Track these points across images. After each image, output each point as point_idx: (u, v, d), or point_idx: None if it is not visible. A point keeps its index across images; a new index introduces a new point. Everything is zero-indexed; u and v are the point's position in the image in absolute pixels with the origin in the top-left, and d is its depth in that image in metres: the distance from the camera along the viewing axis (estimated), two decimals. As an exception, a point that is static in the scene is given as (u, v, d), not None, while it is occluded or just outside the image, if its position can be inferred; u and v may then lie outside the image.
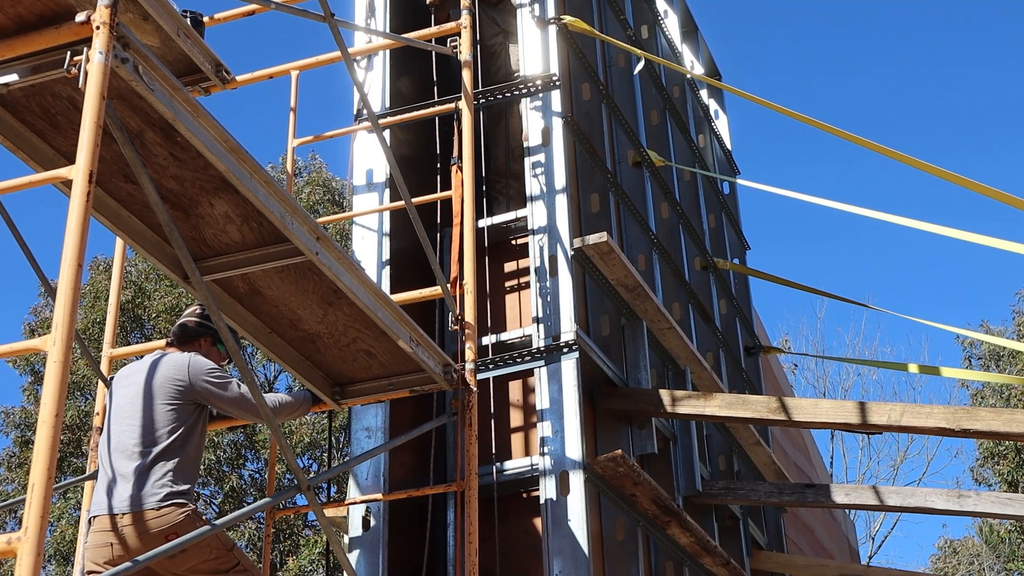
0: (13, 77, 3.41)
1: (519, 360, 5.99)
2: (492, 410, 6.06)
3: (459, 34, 6.06)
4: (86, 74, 3.11)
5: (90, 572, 4.40)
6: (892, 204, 49.70)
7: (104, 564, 4.36)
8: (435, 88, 6.85)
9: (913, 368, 9.83)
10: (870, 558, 28.16)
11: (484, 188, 6.72)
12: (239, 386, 4.63)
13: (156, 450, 4.44)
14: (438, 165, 6.56)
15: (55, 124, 3.68)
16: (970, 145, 48.01)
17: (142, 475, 4.39)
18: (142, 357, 4.92)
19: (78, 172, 3.00)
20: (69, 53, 3.22)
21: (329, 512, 6.02)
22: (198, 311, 4.92)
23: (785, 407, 6.54)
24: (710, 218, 9.90)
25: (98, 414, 5.56)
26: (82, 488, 5.44)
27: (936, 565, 29.50)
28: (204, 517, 4.43)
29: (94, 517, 4.45)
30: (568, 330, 5.92)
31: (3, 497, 18.63)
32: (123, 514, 4.34)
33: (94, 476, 5.34)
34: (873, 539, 29.14)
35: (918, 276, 48.64)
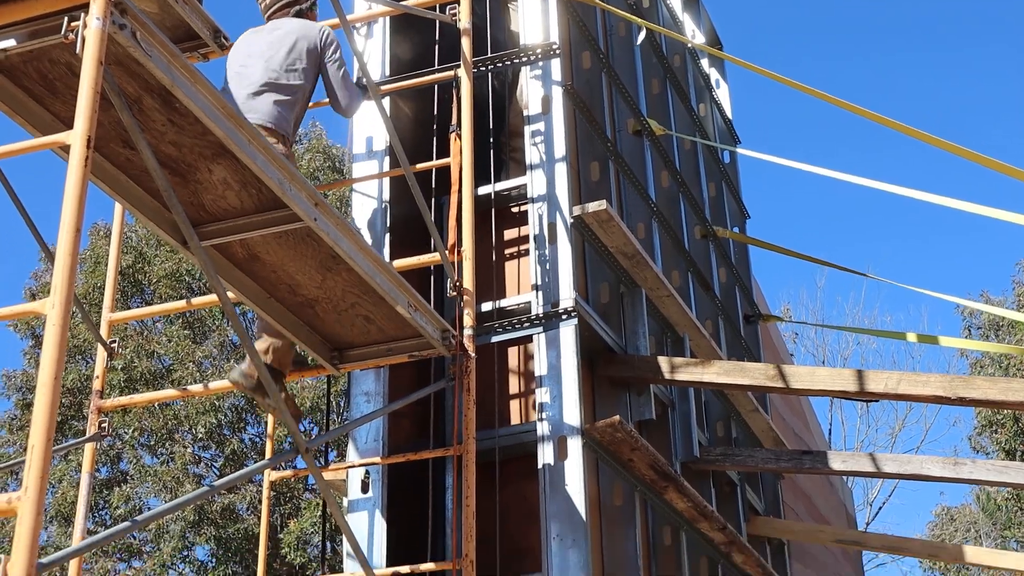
0: (11, 42, 3.41)
1: (518, 327, 6.01)
2: (492, 376, 6.09)
3: (458, 1, 6.05)
4: (83, 40, 3.12)
5: None
6: (893, 175, 49.63)
7: None
8: (436, 55, 6.84)
9: (912, 337, 9.83)
10: (867, 525, 28.34)
11: (496, 152, 6.70)
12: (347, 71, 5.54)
13: (277, 87, 5.26)
14: (435, 127, 6.56)
15: (53, 90, 3.68)
16: (973, 117, 47.90)
17: (262, 99, 5.20)
18: (143, 320, 5.03)
19: (76, 137, 3.01)
20: (66, 19, 3.22)
21: (328, 475, 6.07)
22: None
23: (783, 374, 6.57)
24: (710, 187, 9.90)
25: (98, 377, 5.59)
26: (82, 451, 5.48)
27: (933, 532, 29.65)
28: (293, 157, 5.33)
29: None
30: (567, 297, 5.94)
31: (5, 459, 18.71)
32: None
33: (95, 439, 5.39)
34: (871, 506, 29.32)
35: (918, 246, 48.66)
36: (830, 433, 28.86)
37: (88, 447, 5.46)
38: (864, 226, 48.55)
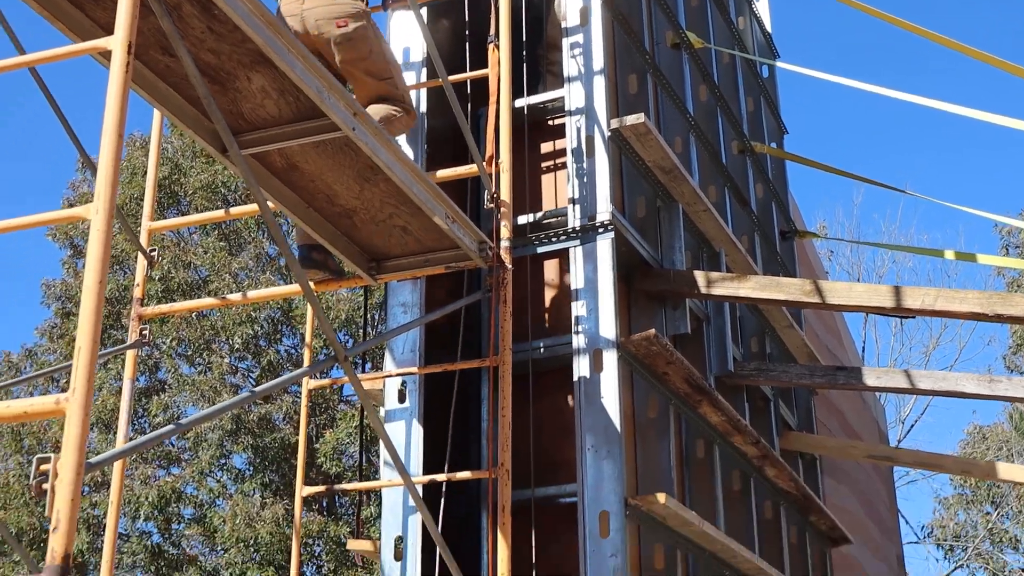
0: (51, -53, 3.41)
1: (555, 240, 6.02)
2: (527, 289, 6.11)
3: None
4: (124, -56, 3.11)
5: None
6: (933, 90, 48.94)
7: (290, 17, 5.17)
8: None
9: (949, 255, 9.78)
10: (899, 442, 28.41)
11: (533, 65, 6.65)
12: None
13: None
14: (471, 40, 6.52)
15: (93, -5, 3.68)
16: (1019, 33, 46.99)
17: None
18: (179, 232, 5.03)
19: (117, 43, 3.01)
20: (107, -78, 3.21)
21: (365, 384, 6.13)
22: None
23: (819, 290, 6.55)
24: (748, 101, 9.80)
25: (138, 285, 5.65)
26: (122, 359, 5.57)
27: (965, 450, 29.69)
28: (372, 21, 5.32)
29: None
30: (604, 210, 5.93)
31: (46, 367, 18.97)
32: None
33: (136, 345, 5.46)
34: (903, 423, 29.36)
35: (957, 163, 48.10)
36: (863, 351, 28.85)
37: (130, 353, 5.54)
38: (902, 143, 48.04)
